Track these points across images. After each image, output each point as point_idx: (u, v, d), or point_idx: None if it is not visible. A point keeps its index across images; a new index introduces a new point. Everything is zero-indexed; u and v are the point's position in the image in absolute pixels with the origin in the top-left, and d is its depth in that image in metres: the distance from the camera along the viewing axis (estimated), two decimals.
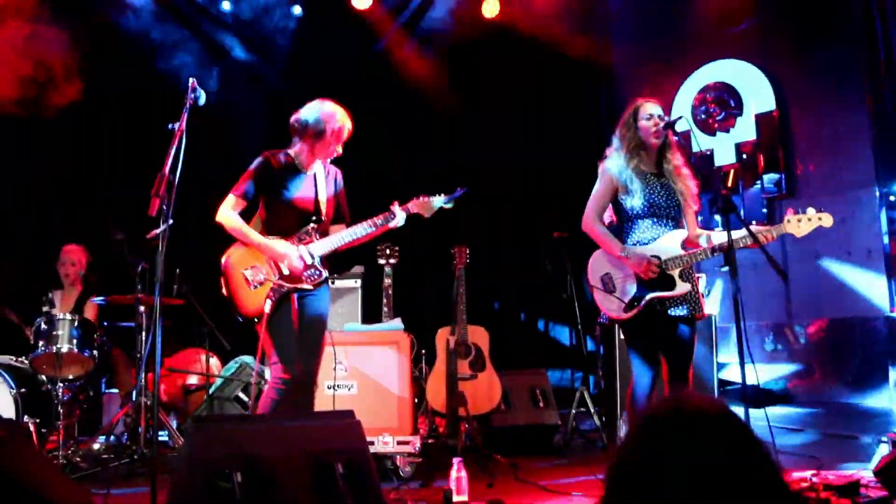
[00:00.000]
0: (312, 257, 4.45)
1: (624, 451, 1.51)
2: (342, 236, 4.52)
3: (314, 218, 4.54)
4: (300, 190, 4.52)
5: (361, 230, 4.52)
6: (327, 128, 4.48)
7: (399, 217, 4.58)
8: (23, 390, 5.73)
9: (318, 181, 4.61)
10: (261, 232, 4.47)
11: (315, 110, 4.52)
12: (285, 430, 3.09)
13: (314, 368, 4.52)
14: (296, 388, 4.33)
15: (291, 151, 4.61)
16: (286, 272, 4.41)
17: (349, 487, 2.98)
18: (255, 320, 4.37)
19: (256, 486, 2.81)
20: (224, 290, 4.45)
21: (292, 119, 4.58)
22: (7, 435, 2.77)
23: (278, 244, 4.41)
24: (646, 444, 1.47)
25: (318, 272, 4.46)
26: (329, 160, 4.67)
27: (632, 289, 4.27)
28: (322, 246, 4.50)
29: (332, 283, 6.29)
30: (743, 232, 4.11)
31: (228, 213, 4.44)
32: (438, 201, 4.67)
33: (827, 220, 4.22)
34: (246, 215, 4.50)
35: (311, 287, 4.46)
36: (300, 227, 4.50)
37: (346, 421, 3.22)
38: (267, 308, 4.29)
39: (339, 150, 4.59)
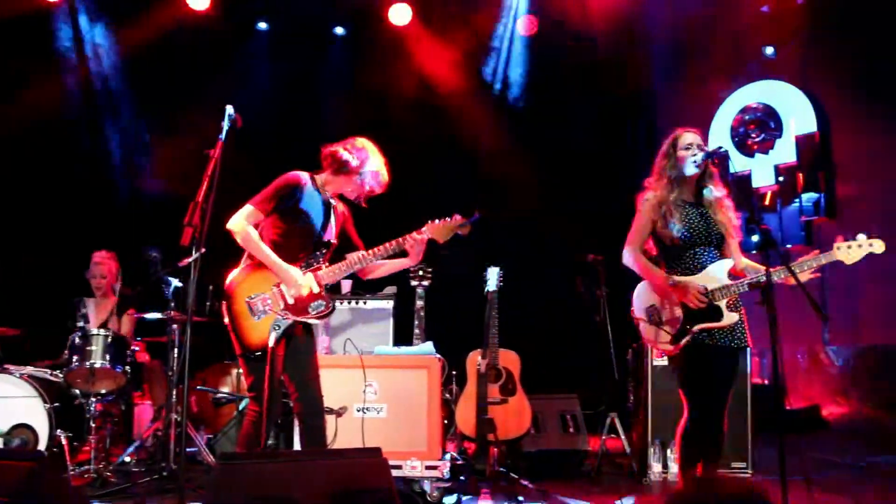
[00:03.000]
0: (320, 287, 4.36)
1: None
2: (350, 263, 4.42)
3: (323, 245, 4.46)
4: (318, 216, 4.44)
5: (370, 257, 4.42)
6: (374, 177, 4.46)
7: (412, 241, 4.42)
8: (56, 404, 5.78)
9: (335, 211, 4.57)
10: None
11: (360, 153, 4.46)
12: (311, 468, 3.08)
13: (318, 393, 4.43)
14: (270, 420, 4.22)
15: (319, 179, 4.54)
16: (291, 301, 4.29)
17: None
18: (258, 353, 4.19)
19: None
20: (226, 319, 4.27)
21: (331, 151, 4.49)
22: (39, 467, 2.78)
23: (294, 270, 4.30)
24: None
25: (323, 304, 4.34)
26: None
27: (679, 319, 4.20)
28: (329, 274, 4.39)
29: (365, 303, 6.29)
30: (793, 265, 4.02)
31: (245, 225, 4.26)
32: (453, 225, 4.45)
33: (878, 247, 4.07)
34: None
35: (315, 321, 4.36)
36: (307, 252, 4.39)
37: (372, 459, 3.20)
38: (272, 342, 4.07)
39: (377, 191, 4.53)
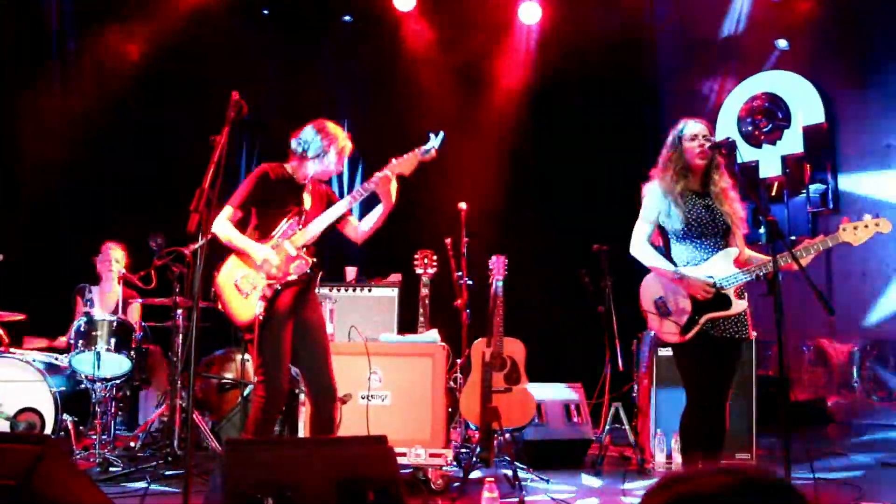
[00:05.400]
0: (297, 249, 4.47)
1: None
2: (323, 218, 4.55)
3: (295, 216, 4.57)
4: (294, 200, 4.58)
5: (342, 206, 4.57)
6: (331, 149, 4.57)
7: (376, 179, 4.51)
8: (62, 388, 5.80)
9: (311, 191, 4.67)
10: (254, 238, 4.52)
11: (317, 132, 4.59)
12: (318, 455, 3.08)
13: (328, 376, 4.57)
14: (277, 404, 4.48)
15: (289, 167, 4.67)
16: (273, 272, 4.42)
17: None
18: (251, 329, 4.35)
19: None
20: (219, 306, 4.52)
21: (292, 141, 4.63)
22: (45, 451, 2.79)
23: (260, 249, 4.43)
24: None
25: (302, 262, 4.46)
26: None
27: (687, 310, 4.18)
28: (303, 236, 4.51)
29: (369, 291, 6.29)
30: (799, 249, 4.02)
31: (224, 225, 4.46)
32: (416, 154, 4.53)
33: (885, 226, 4.04)
34: (240, 225, 4.57)
35: (296, 278, 4.45)
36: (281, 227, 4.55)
37: (378, 447, 3.20)
38: (258, 310, 4.31)
39: (341, 168, 4.74)
